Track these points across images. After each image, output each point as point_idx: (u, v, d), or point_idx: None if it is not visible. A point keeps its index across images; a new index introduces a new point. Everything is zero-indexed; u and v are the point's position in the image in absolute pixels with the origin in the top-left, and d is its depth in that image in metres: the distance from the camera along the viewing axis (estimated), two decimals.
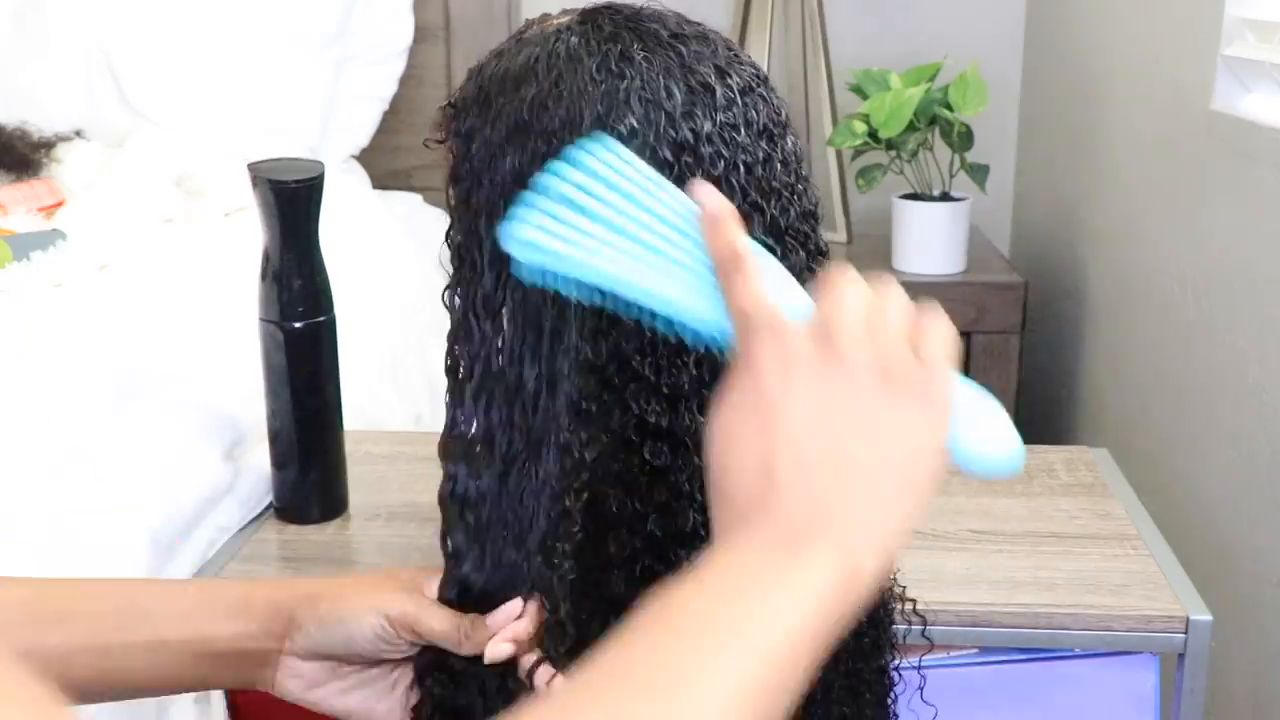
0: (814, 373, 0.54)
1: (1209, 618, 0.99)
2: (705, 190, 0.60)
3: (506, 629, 0.69)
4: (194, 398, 1.28)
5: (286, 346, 1.09)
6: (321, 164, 1.10)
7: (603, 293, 0.59)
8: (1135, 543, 1.10)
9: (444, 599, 0.72)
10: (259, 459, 1.22)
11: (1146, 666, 1.02)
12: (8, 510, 1.06)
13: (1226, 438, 1.49)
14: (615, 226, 0.58)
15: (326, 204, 1.10)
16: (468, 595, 0.72)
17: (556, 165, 0.59)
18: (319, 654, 0.72)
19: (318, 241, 1.10)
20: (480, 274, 0.69)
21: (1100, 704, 1.03)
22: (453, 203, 0.71)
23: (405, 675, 0.75)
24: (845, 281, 0.57)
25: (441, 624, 0.70)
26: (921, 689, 0.89)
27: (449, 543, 0.72)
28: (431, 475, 1.24)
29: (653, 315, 0.59)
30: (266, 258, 1.08)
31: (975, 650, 1.02)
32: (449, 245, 0.71)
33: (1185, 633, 0.98)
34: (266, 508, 1.18)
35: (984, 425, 0.58)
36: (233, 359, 1.40)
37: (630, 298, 0.58)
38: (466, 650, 0.70)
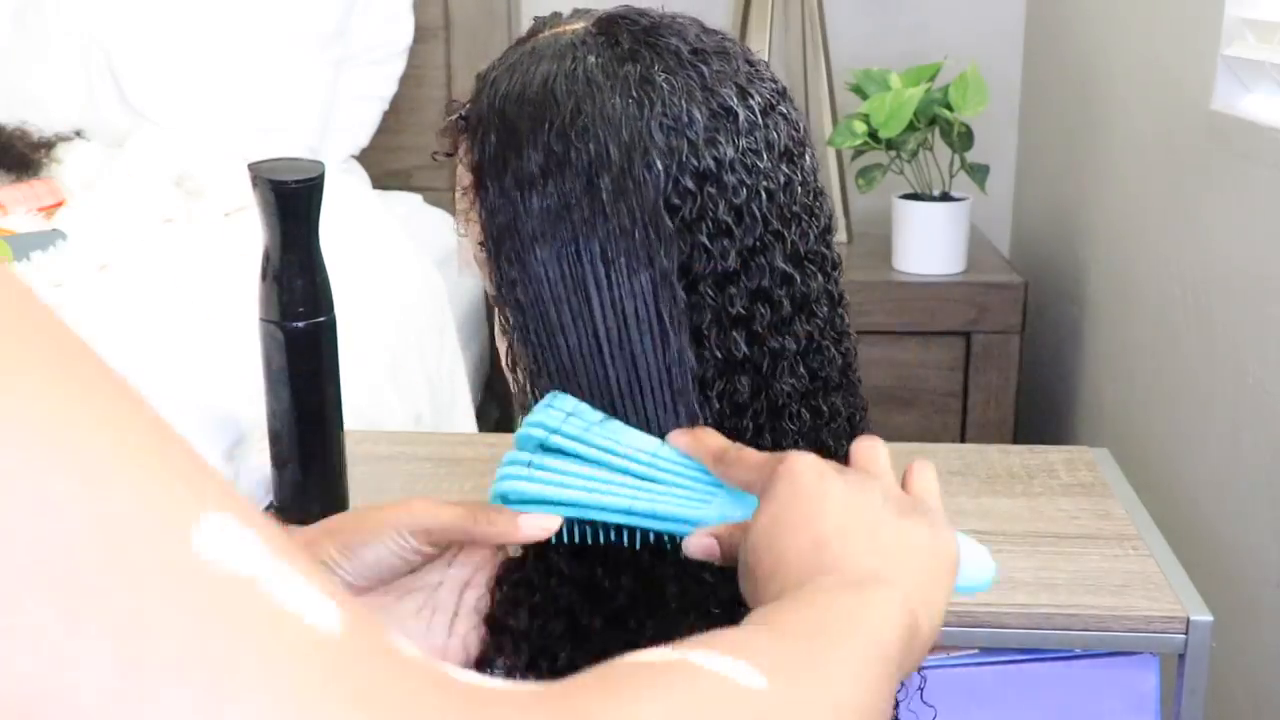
0: (844, 483, 0.60)
1: (1209, 618, 0.99)
2: (674, 436, 0.66)
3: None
4: (194, 398, 1.28)
5: (287, 346, 1.09)
6: (321, 164, 1.10)
7: (596, 524, 0.65)
8: (1135, 543, 1.10)
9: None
10: (259, 459, 1.23)
11: (1146, 666, 1.02)
12: None
13: (1226, 438, 1.49)
14: (600, 464, 0.65)
15: (326, 204, 1.10)
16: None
17: (532, 419, 0.66)
18: (350, 586, 0.72)
19: (318, 241, 1.10)
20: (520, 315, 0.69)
21: (1100, 704, 1.03)
22: (493, 233, 0.69)
23: (446, 597, 0.74)
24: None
25: (453, 512, 0.69)
26: (921, 689, 0.89)
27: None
28: (431, 475, 1.24)
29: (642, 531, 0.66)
30: (267, 258, 1.08)
31: (975, 650, 1.02)
32: (494, 287, 0.70)
33: (1185, 633, 0.98)
34: (267, 507, 1.18)
35: (968, 552, 0.65)
36: (233, 359, 1.40)
37: (632, 522, 0.65)
38: (483, 534, 0.68)
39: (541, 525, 0.66)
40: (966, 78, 2.00)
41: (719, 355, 0.67)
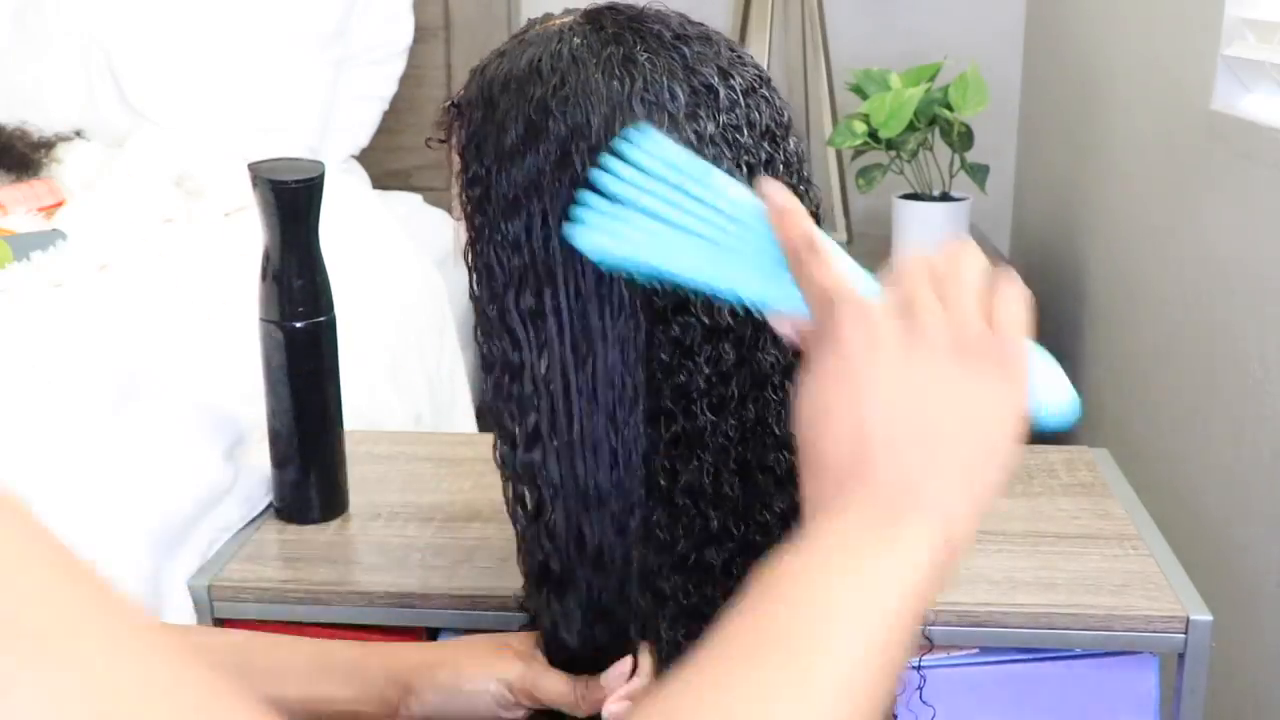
0: (897, 348, 0.56)
1: (1209, 618, 0.99)
2: (771, 185, 0.61)
3: (621, 688, 0.71)
4: (194, 398, 1.28)
5: (286, 346, 1.09)
6: (321, 164, 1.10)
7: (669, 280, 0.61)
8: (1135, 543, 1.10)
9: (554, 663, 0.74)
10: (259, 459, 1.22)
11: (1146, 666, 1.01)
12: None
13: (1227, 438, 1.49)
14: (673, 219, 0.60)
15: (326, 204, 1.10)
16: (574, 659, 0.73)
17: (608, 161, 0.61)
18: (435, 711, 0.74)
19: (318, 241, 1.10)
20: (510, 279, 0.69)
21: (1100, 704, 1.03)
22: (468, 208, 0.71)
23: None
24: (920, 256, 0.59)
25: (558, 687, 0.73)
26: (921, 689, 0.89)
27: (545, 616, 0.73)
28: (431, 475, 1.24)
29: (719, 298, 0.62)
30: (267, 257, 1.08)
31: (975, 650, 1.02)
32: (470, 254, 0.71)
33: (1185, 633, 0.98)
34: (266, 507, 1.18)
35: (1045, 381, 0.61)
36: (233, 359, 1.40)
37: (701, 287, 0.61)
38: (583, 712, 0.72)
39: (620, 673, 0.70)
40: (966, 78, 2.00)
41: (704, 323, 0.68)
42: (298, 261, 1.08)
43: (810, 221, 0.60)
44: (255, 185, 1.07)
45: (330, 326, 1.11)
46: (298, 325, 1.09)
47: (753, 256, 0.61)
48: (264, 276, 1.09)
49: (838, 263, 0.59)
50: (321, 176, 1.09)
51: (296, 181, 1.07)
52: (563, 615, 0.72)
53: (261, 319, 1.10)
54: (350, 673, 0.76)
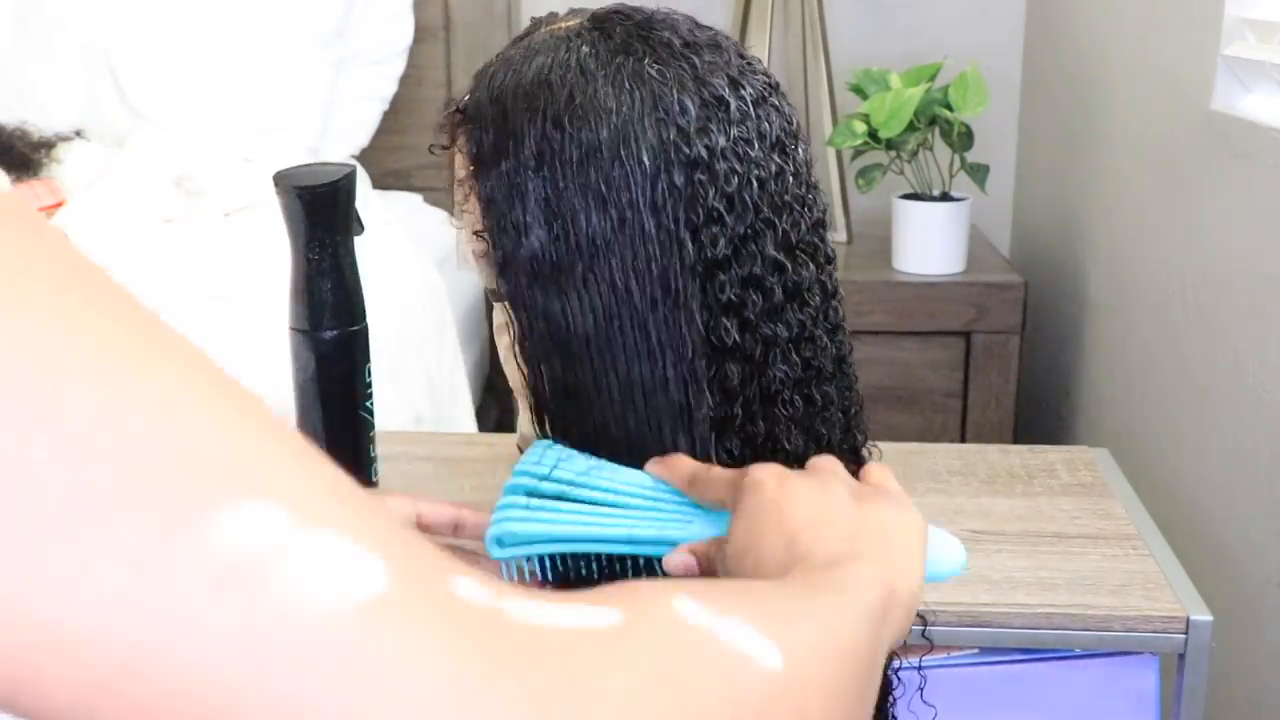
0: (807, 479, 0.63)
1: (1209, 618, 0.99)
2: (650, 465, 0.68)
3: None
4: None
5: (316, 357, 1.07)
6: (350, 166, 1.08)
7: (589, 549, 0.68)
8: (1135, 543, 1.10)
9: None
10: None
11: (1146, 666, 1.02)
12: None
13: (1226, 438, 1.49)
14: (588, 501, 0.68)
15: None
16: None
17: (521, 468, 0.69)
18: None
19: (349, 247, 1.07)
20: (536, 297, 0.69)
21: (1100, 704, 1.03)
22: (487, 220, 0.70)
23: None
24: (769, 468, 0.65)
25: (442, 510, 0.74)
26: (921, 689, 0.89)
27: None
28: (431, 475, 1.24)
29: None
30: (294, 265, 1.06)
31: (975, 650, 1.02)
32: (492, 283, 0.71)
33: (1185, 633, 0.98)
34: None
35: (938, 540, 0.67)
36: (233, 359, 1.40)
37: (617, 550, 0.67)
38: (465, 534, 0.73)
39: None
40: (966, 78, 2.00)
41: (712, 341, 0.68)
42: (327, 269, 1.06)
43: (688, 461, 0.67)
44: (279, 192, 1.04)
45: (362, 336, 1.10)
46: (327, 335, 1.07)
47: (658, 508, 0.67)
48: (293, 285, 1.07)
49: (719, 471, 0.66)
50: (350, 178, 1.06)
51: (320, 186, 1.04)
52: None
53: (291, 328, 1.08)
54: None
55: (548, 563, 0.68)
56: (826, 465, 0.65)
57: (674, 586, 0.44)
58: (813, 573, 0.56)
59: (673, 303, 0.67)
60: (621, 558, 0.68)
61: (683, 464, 0.67)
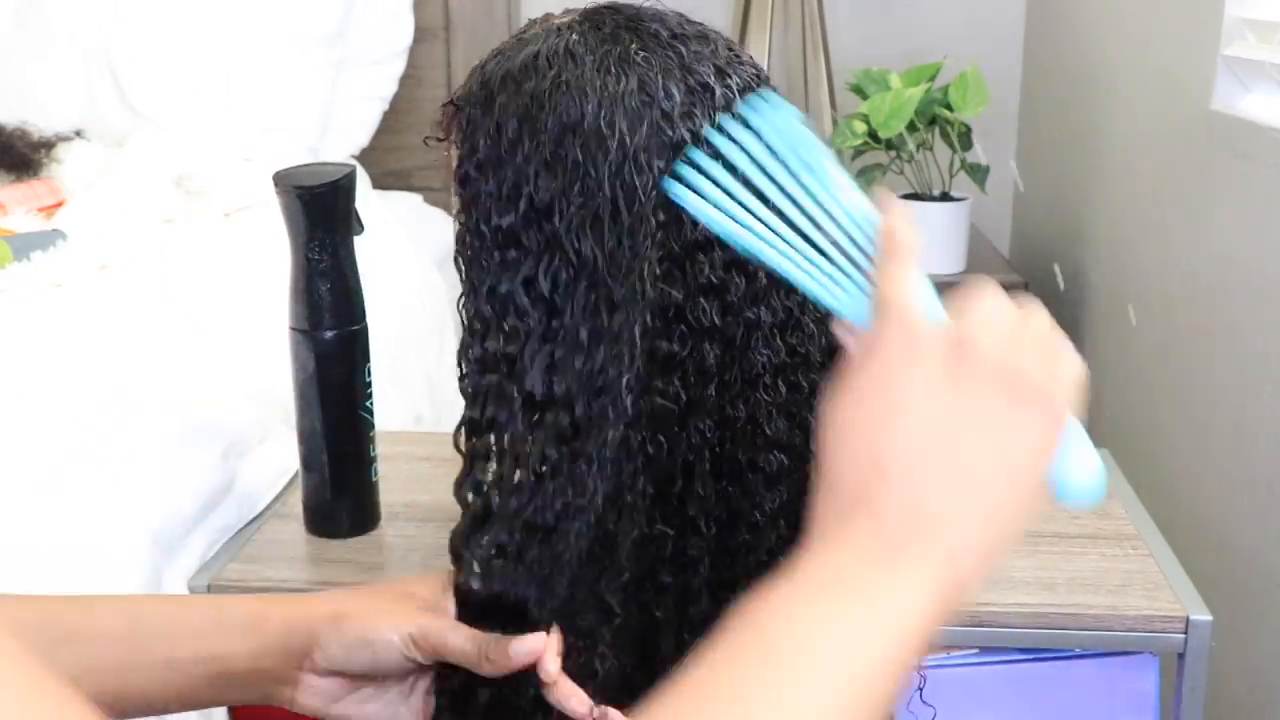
0: (939, 368, 0.54)
1: (1209, 618, 0.99)
2: (892, 202, 0.61)
3: (538, 656, 0.68)
4: (194, 397, 1.28)
5: (316, 357, 1.07)
6: (349, 166, 1.08)
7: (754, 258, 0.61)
8: (1135, 543, 1.10)
9: (461, 617, 0.71)
10: (258, 459, 1.22)
11: (1146, 666, 1.01)
12: (7, 511, 1.06)
13: (1227, 437, 1.49)
14: (777, 203, 0.60)
15: None
16: (485, 614, 0.71)
17: (728, 122, 0.63)
18: (342, 672, 0.72)
19: (349, 247, 1.07)
20: (484, 275, 0.69)
21: (1100, 704, 1.03)
22: (461, 203, 0.71)
23: (424, 677, 0.75)
24: (989, 293, 0.57)
25: (464, 644, 0.70)
26: (921, 689, 0.89)
27: (466, 555, 0.71)
28: (430, 475, 1.24)
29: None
30: (294, 265, 1.06)
31: (975, 650, 1.02)
32: (461, 252, 0.71)
33: (1185, 633, 0.98)
34: (266, 507, 1.18)
35: (1079, 455, 0.58)
36: (233, 359, 1.40)
37: (783, 275, 0.61)
38: (487, 671, 0.69)
39: (530, 649, 0.67)
40: (966, 78, 2.00)
41: (689, 322, 0.68)
42: (327, 269, 1.06)
43: (913, 232, 0.59)
44: (279, 192, 1.04)
45: (362, 336, 1.09)
46: (327, 335, 1.07)
47: (844, 262, 0.60)
48: (293, 285, 1.07)
49: (911, 277, 0.57)
50: (350, 178, 1.06)
51: (320, 186, 1.04)
52: (486, 562, 0.70)
53: (291, 328, 1.08)
54: (249, 627, 0.72)
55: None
56: (983, 314, 0.55)
57: None
58: (862, 556, 0.51)
59: (632, 280, 0.66)
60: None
61: (901, 236, 0.59)
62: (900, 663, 0.51)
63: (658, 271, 0.67)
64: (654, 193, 0.66)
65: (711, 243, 0.67)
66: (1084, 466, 0.58)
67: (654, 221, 0.66)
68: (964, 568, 0.52)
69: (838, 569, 0.52)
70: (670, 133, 0.66)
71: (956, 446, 0.53)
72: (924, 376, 0.53)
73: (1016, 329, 0.55)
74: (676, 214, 0.66)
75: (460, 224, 0.71)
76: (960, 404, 0.53)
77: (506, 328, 0.69)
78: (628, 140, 0.65)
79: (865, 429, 0.54)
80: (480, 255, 0.69)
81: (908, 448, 0.52)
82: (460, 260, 0.71)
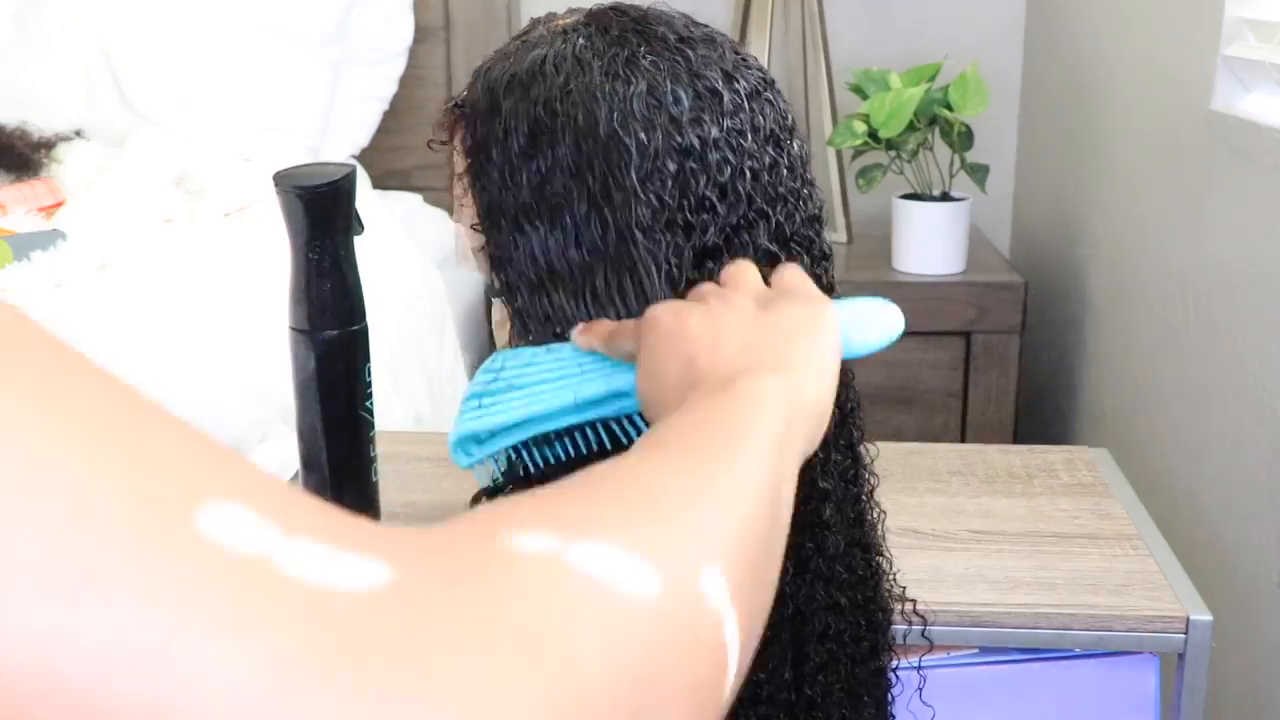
0: (702, 306, 0.61)
1: (1209, 618, 0.99)
2: (574, 335, 0.67)
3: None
4: (192, 397, 1.28)
5: (316, 358, 1.07)
6: (349, 166, 1.08)
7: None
8: (1135, 543, 1.10)
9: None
10: (258, 458, 1.22)
11: (1146, 666, 1.02)
12: None
13: (1226, 438, 1.49)
14: (529, 384, 0.68)
15: None
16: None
17: (473, 379, 0.69)
18: None
19: (350, 247, 1.07)
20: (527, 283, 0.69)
21: (1100, 704, 1.03)
22: (481, 209, 0.70)
23: None
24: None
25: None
26: (921, 689, 0.89)
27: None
28: (430, 475, 1.24)
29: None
30: (294, 265, 1.06)
31: (975, 650, 1.02)
32: (491, 267, 0.71)
33: (1185, 633, 0.98)
34: None
35: (869, 310, 0.67)
36: (232, 359, 1.40)
37: (581, 417, 0.67)
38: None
39: None
40: (966, 78, 2.00)
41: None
42: (327, 269, 1.05)
43: (605, 322, 0.67)
44: (279, 192, 1.04)
45: (362, 336, 1.09)
46: (327, 335, 1.07)
47: (603, 373, 0.67)
48: (293, 285, 1.07)
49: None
50: (350, 178, 1.06)
51: (320, 186, 1.04)
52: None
53: (291, 328, 1.08)
54: None
55: (514, 457, 0.68)
56: (733, 276, 0.64)
57: (506, 515, 0.36)
58: (705, 400, 0.54)
59: (658, 282, 0.67)
60: (591, 433, 0.67)
61: (599, 326, 0.67)
62: (782, 459, 0.51)
63: (675, 277, 0.67)
64: (670, 200, 0.66)
65: (720, 248, 0.67)
66: (880, 319, 0.67)
67: (674, 227, 0.66)
68: (797, 380, 0.56)
69: (681, 418, 0.53)
70: (679, 139, 0.66)
71: (742, 334, 0.59)
72: (693, 315, 0.60)
73: (734, 278, 0.64)
74: (689, 221, 0.66)
75: (485, 238, 0.70)
76: (729, 317, 0.60)
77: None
78: (638, 150, 0.65)
79: (668, 361, 0.59)
80: (509, 266, 0.69)
81: (708, 349, 0.58)
82: (495, 275, 0.71)
